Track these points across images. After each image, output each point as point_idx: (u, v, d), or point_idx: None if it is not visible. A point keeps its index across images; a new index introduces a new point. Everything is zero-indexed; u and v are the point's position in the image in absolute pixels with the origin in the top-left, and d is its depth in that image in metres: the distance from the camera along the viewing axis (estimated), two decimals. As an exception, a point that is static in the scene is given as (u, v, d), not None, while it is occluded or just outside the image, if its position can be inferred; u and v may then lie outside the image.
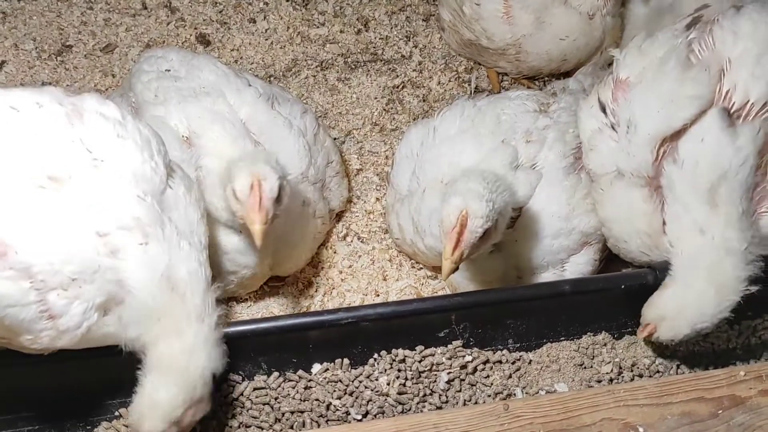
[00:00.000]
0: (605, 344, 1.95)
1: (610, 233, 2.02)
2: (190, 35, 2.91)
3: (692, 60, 1.87)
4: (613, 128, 1.99)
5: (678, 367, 1.93)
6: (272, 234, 1.92)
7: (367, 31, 3.00)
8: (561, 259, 2.02)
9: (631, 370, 1.90)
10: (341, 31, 2.98)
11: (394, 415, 1.79)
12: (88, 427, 1.78)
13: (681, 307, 1.78)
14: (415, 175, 2.15)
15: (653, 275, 1.89)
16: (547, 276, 2.01)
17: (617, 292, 1.89)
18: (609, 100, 2.01)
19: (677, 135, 1.84)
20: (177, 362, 1.56)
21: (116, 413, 1.79)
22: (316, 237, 2.25)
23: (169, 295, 1.56)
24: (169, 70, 2.25)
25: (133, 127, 1.68)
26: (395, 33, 2.99)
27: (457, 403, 1.83)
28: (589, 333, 1.95)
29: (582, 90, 2.22)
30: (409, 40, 2.98)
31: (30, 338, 1.52)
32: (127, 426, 1.76)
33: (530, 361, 1.91)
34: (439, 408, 1.81)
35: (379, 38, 2.98)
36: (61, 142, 1.57)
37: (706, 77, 1.82)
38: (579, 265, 2.04)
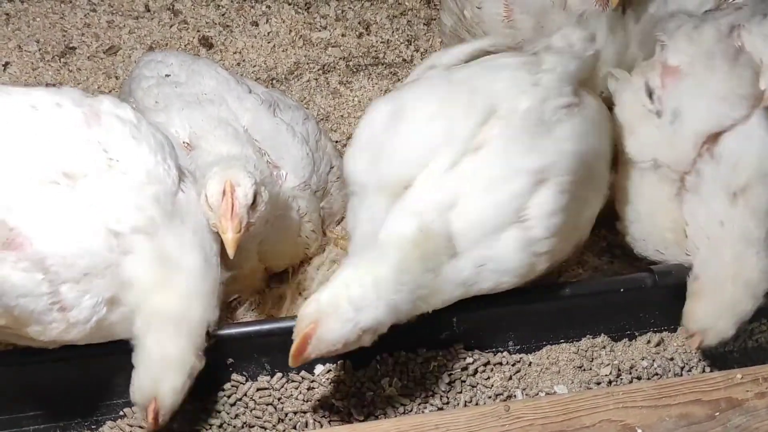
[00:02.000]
0: (604, 347, 1.97)
1: (628, 230, 2.02)
2: (193, 38, 2.93)
3: (739, 59, 1.87)
4: (657, 115, 1.94)
5: (677, 369, 1.96)
6: (252, 241, 1.92)
7: (368, 34, 3.02)
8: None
9: (630, 373, 1.92)
10: (343, 35, 3.01)
11: (395, 416, 1.82)
12: (93, 427, 1.80)
13: (719, 313, 1.80)
14: (373, 167, 1.80)
15: (652, 279, 1.91)
16: None
17: (616, 295, 1.91)
18: (657, 85, 1.96)
19: (719, 132, 1.85)
20: (176, 310, 1.57)
21: (121, 413, 1.81)
22: (304, 242, 2.21)
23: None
24: (169, 75, 2.25)
25: (147, 130, 1.74)
26: (396, 37, 3.01)
27: (458, 404, 1.85)
28: (588, 335, 1.97)
29: (569, 46, 2.00)
30: (411, 44, 3.00)
31: (39, 329, 1.54)
32: (131, 426, 1.78)
33: (530, 363, 1.93)
34: (440, 409, 1.83)
35: (381, 42, 3.00)
36: (78, 141, 1.64)
37: (750, 75, 1.83)
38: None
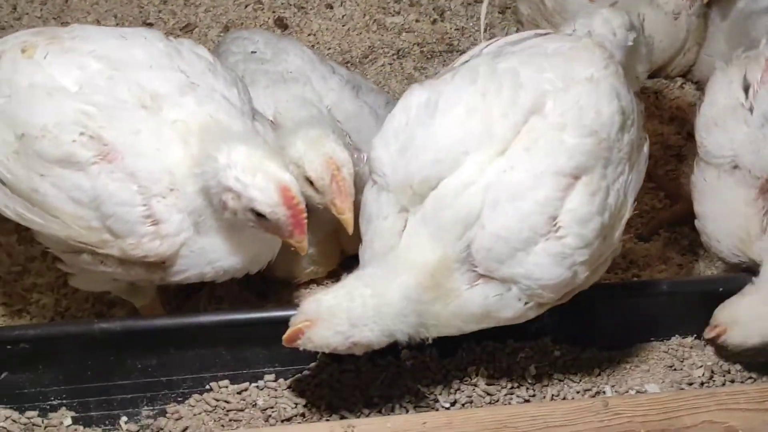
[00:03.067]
0: (695, 347, 1.93)
1: (704, 229, 1.98)
2: (268, 18, 2.92)
3: None
4: (750, 111, 1.89)
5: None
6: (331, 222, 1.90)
7: (442, 21, 2.99)
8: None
9: (723, 375, 1.87)
10: (417, 21, 2.97)
11: (481, 405, 1.79)
12: (179, 399, 1.81)
13: (756, 316, 1.76)
14: (400, 160, 1.65)
15: (751, 280, 1.86)
16: None
17: (714, 294, 1.86)
18: (757, 80, 1.89)
19: None
20: None
21: (207, 386, 1.81)
22: None
23: None
24: (255, 52, 2.25)
25: (223, 69, 1.83)
26: (471, 24, 2.97)
27: (544, 397, 1.82)
28: (679, 334, 1.93)
29: (612, 33, 1.84)
30: (485, 32, 2.96)
31: (133, 242, 1.62)
32: (217, 400, 1.79)
33: (619, 359, 1.89)
34: (527, 401, 1.81)
35: (455, 29, 2.96)
36: (162, 68, 1.73)
37: None
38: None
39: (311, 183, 1.76)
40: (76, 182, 1.60)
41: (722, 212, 1.92)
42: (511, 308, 1.59)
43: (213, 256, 1.70)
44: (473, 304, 1.59)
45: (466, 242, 1.56)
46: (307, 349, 1.60)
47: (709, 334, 1.82)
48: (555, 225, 1.54)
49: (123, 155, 1.62)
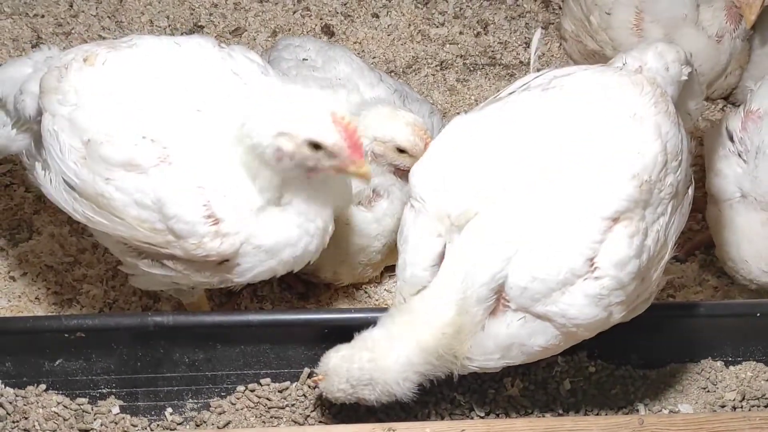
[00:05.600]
0: (728, 369, 1.94)
1: (729, 255, 2.05)
2: (315, 25, 2.98)
3: None
4: (739, 156, 2.08)
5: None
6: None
7: (486, 34, 3.02)
8: None
9: (757, 399, 1.89)
10: (461, 33, 3.02)
11: (516, 417, 1.83)
12: (222, 394, 1.86)
13: None
14: (438, 187, 1.65)
15: (790, 306, 1.88)
16: None
17: (752, 319, 1.88)
18: (737, 129, 2.10)
19: None
20: None
21: (251, 383, 1.86)
22: None
23: None
24: (306, 60, 2.31)
25: (275, 73, 1.86)
26: (514, 39, 3.01)
27: (577, 412, 1.85)
28: (713, 357, 1.95)
29: (665, 68, 1.80)
30: (528, 47, 2.99)
31: (194, 242, 1.66)
32: (259, 397, 1.84)
33: (653, 378, 1.91)
34: (561, 415, 1.84)
35: (498, 43, 3.00)
36: (216, 72, 1.78)
37: None
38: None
39: (403, 151, 1.88)
40: (139, 185, 1.66)
41: (743, 236, 2.04)
42: (541, 335, 1.58)
43: (278, 244, 1.70)
44: (496, 338, 1.58)
45: (500, 279, 1.55)
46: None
47: None
48: (593, 266, 1.54)
49: (182, 157, 1.67)
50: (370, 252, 2.08)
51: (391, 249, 2.06)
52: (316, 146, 1.61)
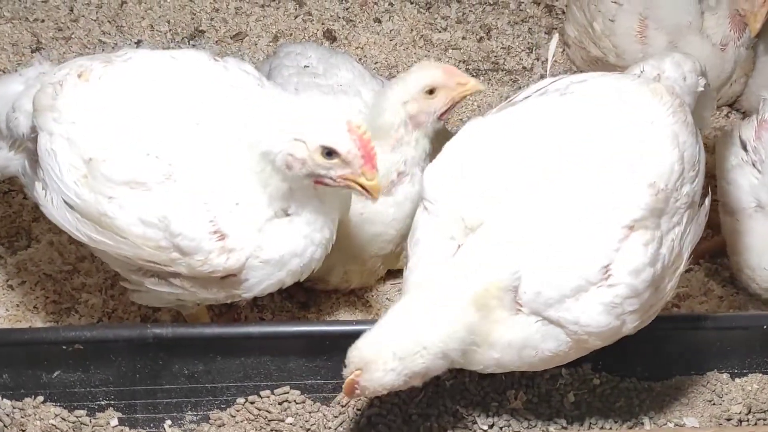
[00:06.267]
0: (734, 382, 1.92)
1: (746, 263, 2.02)
2: (317, 30, 2.96)
3: None
4: (753, 165, 2.04)
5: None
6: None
7: (489, 39, 3.00)
8: None
9: (765, 413, 1.86)
10: (463, 38, 2.99)
11: (519, 430, 1.81)
12: (222, 406, 1.84)
13: None
14: (451, 190, 1.64)
15: (798, 318, 1.86)
16: None
17: (758, 331, 1.86)
18: (751, 138, 2.06)
19: None
20: None
21: (250, 396, 1.84)
22: None
23: None
24: (307, 67, 2.30)
25: (270, 84, 1.85)
26: (517, 44, 2.98)
27: (581, 425, 1.83)
28: (719, 369, 1.92)
29: (683, 78, 1.81)
30: (532, 52, 2.97)
31: (200, 259, 1.64)
32: (259, 409, 1.82)
33: (658, 391, 1.89)
34: (564, 428, 1.82)
35: (501, 48, 2.98)
36: (213, 86, 1.76)
37: None
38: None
39: (431, 92, 1.93)
40: (143, 203, 1.63)
41: (762, 245, 1.99)
42: (553, 340, 1.56)
43: (285, 256, 1.69)
44: (514, 335, 1.55)
45: (515, 278, 1.54)
46: (369, 396, 1.58)
47: None
48: (607, 274, 1.52)
49: (186, 173, 1.65)
50: (383, 241, 2.05)
51: (402, 237, 2.01)
52: (329, 153, 1.60)
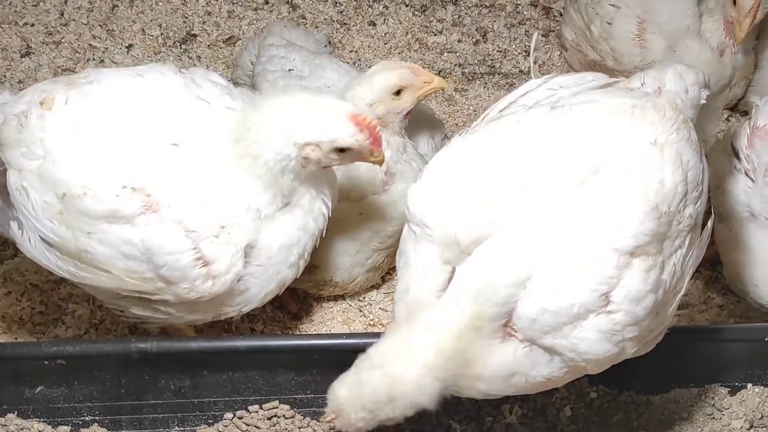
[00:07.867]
0: (735, 396, 1.88)
1: (739, 277, 1.97)
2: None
3: None
4: (746, 174, 2.01)
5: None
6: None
7: (485, 42, 2.96)
8: None
9: (765, 427, 1.82)
10: (459, 41, 2.95)
11: (514, 445, 1.77)
12: (210, 421, 1.81)
13: None
14: (439, 212, 1.55)
15: (799, 330, 1.82)
16: None
17: (759, 344, 1.82)
18: (744, 146, 2.02)
19: None
20: None
21: (238, 411, 1.81)
22: None
23: None
24: (292, 70, 2.27)
25: (239, 92, 1.81)
26: (514, 47, 2.94)
27: (578, 439, 1.80)
28: (719, 382, 1.89)
29: (685, 90, 1.71)
30: (528, 55, 2.93)
31: (186, 286, 1.62)
32: (248, 425, 1.78)
33: (657, 404, 1.85)
34: (561, 443, 1.78)
35: (497, 51, 2.93)
36: (183, 100, 1.70)
37: None
38: None
39: (398, 93, 1.94)
40: (125, 237, 1.57)
41: (753, 259, 1.96)
42: (545, 367, 1.49)
43: (282, 248, 1.69)
44: (502, 362, 1.48)
45: (508, 307, 1.46)
46: None
47: None
48: (607, 300, 1.45)
49: (166, 203, 1.59)
50: (383, 236, 2.07)
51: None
52: (342, 150, 1.66)
